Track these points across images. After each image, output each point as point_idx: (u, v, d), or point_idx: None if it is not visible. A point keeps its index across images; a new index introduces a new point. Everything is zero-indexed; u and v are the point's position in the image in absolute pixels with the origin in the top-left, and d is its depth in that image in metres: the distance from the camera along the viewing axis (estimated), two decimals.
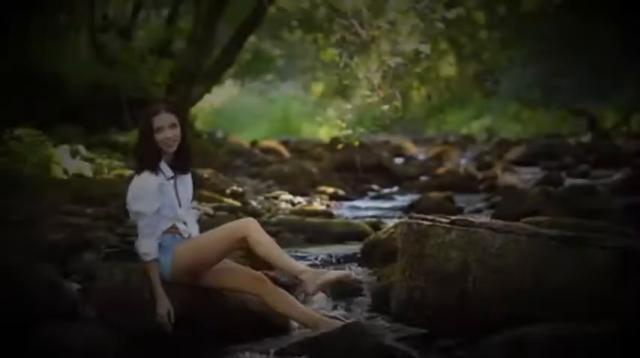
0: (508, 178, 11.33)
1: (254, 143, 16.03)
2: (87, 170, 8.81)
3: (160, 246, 4.13)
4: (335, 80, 8.76)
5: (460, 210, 8.46)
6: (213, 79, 15.31)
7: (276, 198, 9.04)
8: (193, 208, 4.53)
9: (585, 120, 22.39)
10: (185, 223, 4.20)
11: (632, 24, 22.54)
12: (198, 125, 16.29)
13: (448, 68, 24.81)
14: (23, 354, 3.80)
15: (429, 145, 18.16)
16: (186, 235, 4.19)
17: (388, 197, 10.44)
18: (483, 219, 4.61)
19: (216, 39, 15.56)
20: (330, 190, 9.95)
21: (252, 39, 18.26)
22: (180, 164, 4.21)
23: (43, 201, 7.07)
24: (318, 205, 8.93)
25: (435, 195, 8.85)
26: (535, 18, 23.65)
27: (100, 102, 12.07)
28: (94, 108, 11.88)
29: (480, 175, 11.61)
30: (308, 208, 8.39)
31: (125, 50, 14.63)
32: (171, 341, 4.04)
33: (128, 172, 9.11)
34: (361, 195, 10.53)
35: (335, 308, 4.93)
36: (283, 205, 8.69)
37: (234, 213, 7.15)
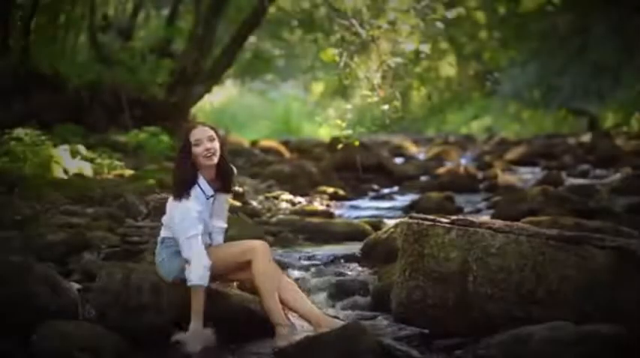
0: (508, 178, 11.33)
1: (254, 143, 16.03)
2: (87, 170, 8.81)
3: (169, 249, 4.15)
4: (335, 80, 8.75)
5: (460, 210, 8.46)
6: (213, 78, 15.32)
7: (276, 197, 9.03)
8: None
9: (585, 120, 22.38)
10: (210, 234, 4.25)
11: (631, 24, 22.54)
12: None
13: (448, 68, 24.82)
14: (24, 354, 3.79)
15: (429, 145, 18.15)
16: (207, 244, 4.21)
17: (388, 197, 10.43)
18: (483, 219, 4.61)
19: (216, 39, 15.57)
20: (330, 190, 9.94)
21: (252, 39, 18.27)
22: (223, 184, 4.27)
23: (43, 201, 7.07)
24: (318, 205, 8.92)
25: (434, 195, 8.85)
26: (535, 17, 23.65)
27: (100, 103, 12.08)
28: (94, 108, 11.88)
29: (480, 175, 11.61)
30: (308, 208, 8.38)
31: (125, 50, 14.65)
32: (171, 341, 4.03)
33: (128, 172, 9.12)
34: (361, 195, 10.52)
35: (334, 307, 4.95)
36: (283, 205, 8.69)
37: (234, 213, 7.14)
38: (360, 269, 5.51)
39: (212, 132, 4.18)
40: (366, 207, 9.24)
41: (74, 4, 13.77)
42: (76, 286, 4.56)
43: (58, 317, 3.95)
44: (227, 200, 4.39)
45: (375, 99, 7.73)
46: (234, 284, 4.46)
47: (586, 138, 17.33)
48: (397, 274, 4.09)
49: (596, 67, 24.29)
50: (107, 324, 4.02)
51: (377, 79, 7.73)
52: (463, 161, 14.40)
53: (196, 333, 4.00)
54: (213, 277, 4.18)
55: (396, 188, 11.20)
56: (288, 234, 6.85)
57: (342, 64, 7.85)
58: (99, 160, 9.23)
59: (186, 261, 4.06)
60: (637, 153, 13.40)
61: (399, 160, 14.61)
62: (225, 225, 4.38)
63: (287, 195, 9.13)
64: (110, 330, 3.94)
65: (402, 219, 4.40)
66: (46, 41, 12.18)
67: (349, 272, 5.44)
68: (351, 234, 6.79)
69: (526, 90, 25.60)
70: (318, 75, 22.77)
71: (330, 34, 9.21)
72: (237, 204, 7.88)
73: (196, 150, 4.13)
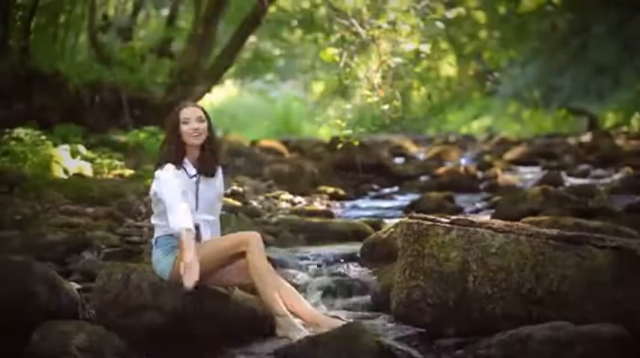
0: (508, 178, 11.32)
1: (254, 143, 16.03)
2: (87, 170, 8.81)
3: (163, 247, 4.12)
4: (335, 80, 8.74)
5: (460, 210, 8.45)
6: (213, 78, 15.31)
7: (276, 197, 9.03)
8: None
9: (585, 120, 22.37)
10: (197, 227, 4.15)
11: (631, 24, 22.53)
12: None
13: (448, 68, 24.81)
14: (24, 354, 3.80)
15: (429, 145, 18.15)
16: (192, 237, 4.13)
17: (388, 197, 10.43)
18: (483, 218, 4.61)
19: (216, 39, 15.57)
20: (330, 190, 9.93)
21: (252, 39, 18.26)
22: (204, 166, 4.24)
23: (42, 200, 7.07)
24: (318, 205, 8.92)
25: (434, 194, 8.84)
26: (535, 17, 23.64)
27: (100, 102, 12.07)
28: (94, 108, 11.88)
29: (480, 175, 11.60)
30: (308, 208, 8.38)
31: (125, 50, 14.65)
32: (171, 341, 4.04)
33: (128, 172, 9.12)
34: (361, 195, 10.51)
35: (334, 306, 4.95)
36: (283, 205, 8.68)
37: (234, 213, 7.14)
38: (360, 269, 5.51)
39: (201, 113, 4.19)
40: (366, 207, 9.24)
41: (74, 4, 13.77)
42: (76, 286, 4.55)
43: (58, 317, 3.96)
44: (218, 195, 4.32)
45: (375, 99, 7.72)
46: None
47: (586, 138, 17.33)
48: (397, 274, 4.09)
49: (596, 67, 24.29)
50: (107, 324, 4.02)
51: (377, 79, 7.72)
52: (463, 161, 14.39)
53: (193, 263, 3.92)
54: (204, 277, 4.10)
55: (396, 188, 11.20)
56: (287, 233, 6.84)
57: (342, 64, 7.84)
58: (99, 160, 9.23)
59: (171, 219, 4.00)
60: (637, 153, 13.38)
61: (399, 160, 14.60)
62: (213, 218, 4.30)
63: (287, 195, 9.12)
64: (110, 330, 3.94)
65: (402, 219, 4.39)
66: (46, 41, 12.17)
67: (349, 273, 5.44)
68: (351, 233, 6.77)
69: (526, 91, 25.59)
70: (318, 75, 22.76)
71: (330, 34, 9.20)
72: (237, 203, 7.88)
73: (183, 127, 4.15)
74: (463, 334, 3.87)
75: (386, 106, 7.73)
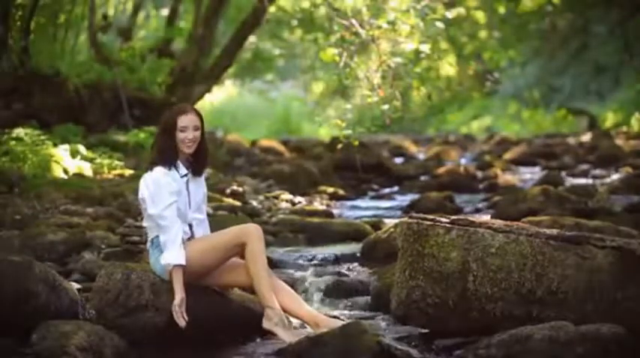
0: (508, 178, 11.32)
1: (254, 142, 16.03)
2: (86, 170, 8.81)
3: (160, 247, 4.11)
4: (335, 80, 8.73)
5: (460, 210, 8.45)
6: (213, 78, 15.31)
7: (276, 197, 9.02)
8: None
9: (585, 120, 22.37)
10: (191, 226, 4.20)
11: (631, 23, 22.53)
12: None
13: (448, 68, 24.79)
14: (24, 354, 3.79)
15: (429, 145, 18.14)
16: (186, 237, 4.17)
17: (388, 197, 10.43)
18: (483, 218, 4.61)
19: (216, 39, 15.56)
20: (330, 190, 9.93)
21: (252, 39, 18.24)
22: (195, 166, 4.25)
23: (42, 200, 7.07)
24: (317, 205, 8.91)
25: (434, 194, 8.84)
26: (535, 18, 23.62)
27: (99, 102, 12.07)
28: (94, 108, 11.87)
29: (480, 175, 11.59)
30: (308, 208, 8.37)
31: (125, 50, 14.65)
32: (170, 341, 4.04)
33: (128, 172, 9.12)
34: (361, 194, 10.51)
35: (333, 306, 4.95)
36: (283, 205, 8.68)
37: (234, 213, 7.14)
38: (360, 269, 5.51)
39: (198, 122, 4.17)
40: (365, 207, 9.23)
41: (74, 4, 13.76)
42: (76, 286, 4.55)
43: (58, 317, 3.96)
44: (204, 195, 4.34)
45: (375, 99, 7.71)
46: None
47: (586, 138, 17.33)
48: (397, 274, 4.09)
49: (596, 67, 24.28)
50: (107, 324, 4.02)
51: (377, 79, 7.71)
52: (463, 161, 14.39)
53: (182, 303, 3.97)
54: (203, 274, 4.14)
55: (395, 188, 11.20)
56: (287, 233, 6.84)
57: (342, 64, 7.83)
58: (99, 160, 9.23)
59: (163, 244, 4.03)
60: (637, 153, 13.39)
61: (398, 160, 14.60)
62: (203, 216, 4.32)
63: (287, 195, 9.12)
64: (110, 330, 3.93)
65: (402, 219, 4.39)
66: (46, 41, 12.16)
67: (349, 272, 5.44)
68: (351, 233, 6.78)
69: (526, 90, 25.58)
70: (318, 75, 22.76)
71: (330, 34, 9.19)
72: (237, 203, 7.88)
73: (180, 135, 4.13)
74: (463, 334, 3.87)
75: (386, 106, 7.72)
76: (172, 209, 4.06)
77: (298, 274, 5.31)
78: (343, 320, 4.30)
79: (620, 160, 12.57)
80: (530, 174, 12.18)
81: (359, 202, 9.76)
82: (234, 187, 8.54)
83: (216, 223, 4.60)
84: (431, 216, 4.10)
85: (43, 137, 8.59)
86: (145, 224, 4.29)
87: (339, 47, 8.07)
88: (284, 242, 6.57)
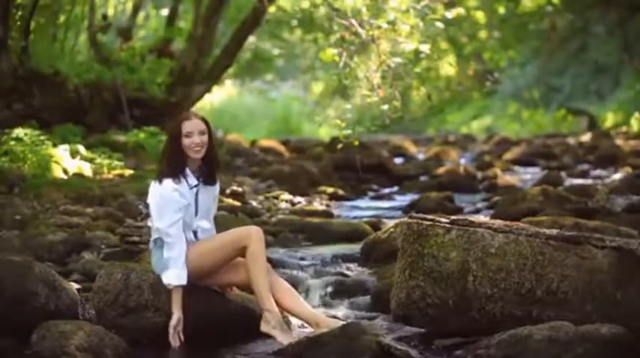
0: (508, 178, 11.32)
1: (253, 142, 16.04)
2: (86, 170, 8.81)
3: (163, 248, 4.12)
4: (335, 80, 8.73)
5: (460, 210, 8.45)
6: (213, 78, 15.31)
7: (276, 197, 9.03)
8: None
9: (585, 120, 22.38)
10: (195, 232, 4.21)
11: (631, 23, 22.52)
12: None
13: (448, 68, 24.82)
14: (23, 354, 3.80)
15: (428, 145, 18.15)
16: (191, 244, 4.17)
17: (388, 197, 10.43)
18: (483, 218, 4.61)
19: (217, 39, 15.56)
20: (330, 190, 9.95)
21: (252, 39, 18.25)
22: (206, 175, 4.25)
23: (42, 200, 7.08)
24: (317, 205, 8.92)
25: (434, 194, 8.85)
26: (535, 18, 23.63)
27: (99, 103, 12.07)
28: (94, 108, 11.88)
29: (480, 175, 11.59)
30: (308, 208, 8.38)
31: (125, 50, 14.65)
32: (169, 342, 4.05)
33: (128, 172, 9.12)
34: (361, 195, 10.51)
35: (333, 306, 4.96)
36: (283, 205, 8.69)
37: (234, 213, 7.14)
38: (359, 269, 5.51)
39: (204, 127, 4.17)
40: (365, 207, 9.23)
41: (74, 4, 13.77)
42: (76, 286, 4.56)
43: (58, 317, 3.96)
44: (214, 199, 4.35)
45: (375, 99, 7.72)
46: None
47: (586, 138, 17.33)
48: (397, 274, 4.09)
49: (596, 67, 24.29)
50: (106, 324, 4.02)
51: (377, 79, 7.72)
52: (463, 161, 14.40)
53: (178, 323, 4.00)
54: (203, 275, 4.16)
55: (395, 188, 11.20)
56: (287, 233, 6.85)
57: (341, 64, 7.84)
58: (99, 160, 9.23)
59: (166, 260, 4.05)
60: (637, 153, 13.39)
61: (398, 160, 14.60)
62: (210, 225, 4.32)
63: (286, 195, 9.13)
64: (110, 330, 3.94)
65: (402, 219, 4.39)
66: (45, 41, 12.17)
67: (349, 272, 5.44)
68: (351, 234, 6.77)
69: (525, 91, 25.58)
70: (317, 75, 22.77)
71: (330, 34, 9.18)
72: (237, 203, 7.89)
73: (186, 141, 4.13)
74: (463, 334, 3.87)
75: (386, 106, 7.72)
76: (178, 226, 4.08)
77: (298, 274, 5.32)
78: (343, 320, 4.30)
79: (620, 160, 12.57)
80: (530, 174, 12.19)
81: (359, 202, 9.77)
82: (234, 187, 8.54)
83: (216, 224, 4.60)
84: (430, 216, 4.10)
85: (42, 137, 8.59)
86: (149, 224, 4.30)
87: (339, 47, 8.08)
88: (284, 242, 6.58)
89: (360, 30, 8.01)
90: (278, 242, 6.55)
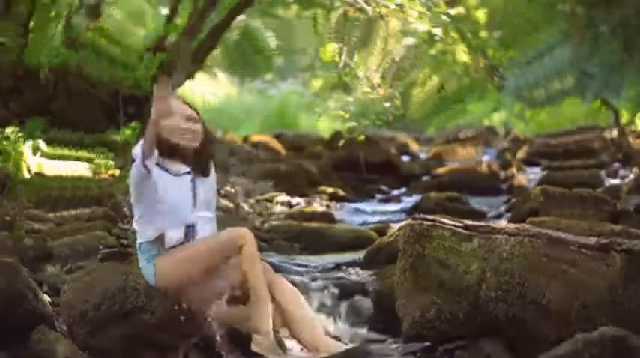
0: (522, 178, 11.25)
1: (245, 139, 16.13)
2: (49, 168, 8.95)
3: (146, 253, 4.34)
4: (334, 77, 8.82)
5: (478, 214, 8.55)
6: (197, 62, 15.48)
7: (269, 200, 9.09)
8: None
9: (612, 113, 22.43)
10: (193, 226, 4.34)
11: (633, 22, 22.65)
12: None
13: (463, 54, 24.90)
14: (23, 355, 4.10)
15: (443, 140, 18.09)
16: (178, 243, 4.32)
17: (396, 199, 10.49)
18: (502, 224, 4.88)
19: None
20: (330, 190, 10.00)
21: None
22: (198, 167, 4.39)
23: (15, 203, 7.27)
24: (317, 206, 8.98)
25: (437, 195, 8.88)
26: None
27: (65, 89, 12.23)
28: (60, 96, 12.06)
29: (502, 174, 11.58)
30: (306, 210, 8.44)
31: (92, 30, 14.80)
32: (170, 342, 4.29)
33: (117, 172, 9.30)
34: (366, 196, 10.59)
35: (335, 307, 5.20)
36: (278, 208, 8.72)
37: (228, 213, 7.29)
38: (362, 275, 5.65)
39: (190, 111, 4.30)
40: (371, 211, 9.29)
41: None
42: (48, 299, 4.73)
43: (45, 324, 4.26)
44: (214, 190, 4.50)
45: (377, 95, 7.83)
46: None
47: (613, 133, 17.29)
48: (397, 275, 4.38)
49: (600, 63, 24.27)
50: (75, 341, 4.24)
51: (376, 79, 7.84)
52: (486, 157, 14.32)
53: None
54: (193, 283, 4.31)
55: (404, 189, 11.22)
56: (281, 241, 6.93)
57: (341, 64, 7.92)
58: (96, 160, 9.35)
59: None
60: None
61: (405, 158, 14.51)
62: (211, 215, 4.44)
63: (282, 197, 9.16)
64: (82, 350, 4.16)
65: (407, 222, 4.65)
66: (41, 38, 12.35)
67: (350, 280, 5.56)
68: (354, 241, 6.91)
69: (556, 79, 25.59)
70: (317, 74, 22.89)
71: (332, 11, 9.27)
72: (229, 205, 8.02)
73: (163, 122, 4.14)
74: (467, 336, 4.14)
75: (387, 103, 7.83)
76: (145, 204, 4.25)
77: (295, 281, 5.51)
78: (345, 344, 4.43)
79: (633, 159, 12.55)
80: (532, 175, 12.08)
81: (364, 205, 9.80)
82: (228, 188, 8.65)
83: None
84: (431, 217, 4.36)
85: (19, 134, 8.79)
86: (134, 226, 4.45)
87: (342, 26, 8.14)
88: (277, 250, 6.63)
89: (365, 6, 8.05)
90: (271, 250, 6.60)
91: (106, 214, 6.90)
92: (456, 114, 27.88)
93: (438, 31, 8.41)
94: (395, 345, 4.57)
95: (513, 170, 11.72)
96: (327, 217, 8.19)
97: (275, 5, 21.28)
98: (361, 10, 8.11)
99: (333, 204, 9.46)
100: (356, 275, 5.67)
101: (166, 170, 4.31)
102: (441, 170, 12.06)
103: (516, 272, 4.04)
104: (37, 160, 8.86)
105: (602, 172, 11.52)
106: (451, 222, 4.29)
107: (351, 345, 4.44)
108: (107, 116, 12.17)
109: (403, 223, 6.05)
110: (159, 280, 4.28)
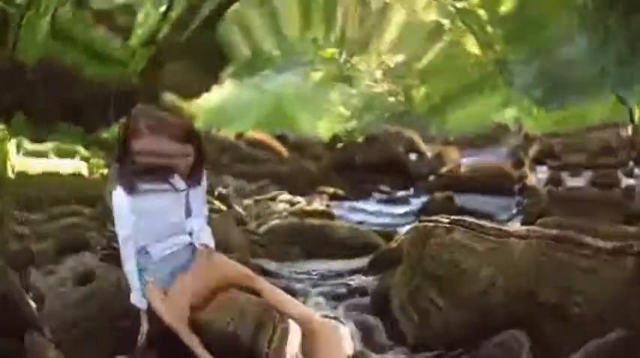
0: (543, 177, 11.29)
1: (240, 135, 16.10)
2: (32, 168, 9.03)
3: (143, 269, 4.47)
4: (335, 70, 8.81)
5: (492, 216, 8.64)
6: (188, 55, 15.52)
7: (269, 200, 9.22)
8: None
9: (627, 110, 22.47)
10: (190, 235, 4.52)
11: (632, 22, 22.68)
12: (199, 124, 16.41)
13: (473, 46, 24.89)
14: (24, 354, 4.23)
15: (448, 139, 18.00)
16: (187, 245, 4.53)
17: (403, 200, 10.56)
18: (515, 226, 4.95)
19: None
20: (331, 190, 10.11)
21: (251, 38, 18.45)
22: (192, 180, 4.50)
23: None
24: (317, 206, 9.05)
25: (440, 196, 9.02)
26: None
27: (91, 99, 12.33)
28: (41, 91, 12.15)
29: (515, 174, 11.57)
30: (306, 209, 8.53)
31: (122, 48, 14.87)
32: (169, 342, 4.37)
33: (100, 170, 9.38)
34: (367, 196, 10.65)
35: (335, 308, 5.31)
36: (277, 208, 8.81)
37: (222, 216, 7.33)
38: (365, 281, 5.71)
39: (165, 146, 4.32)
40: (373, 211, 9.39)
41: None
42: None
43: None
44: (204, 191, 4.63)
45: (380, 90, 7.83)
46: None
47: (628, 130, 17.20)
48: (398, 275, 4.57)
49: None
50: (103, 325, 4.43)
51: (378, 75, 7.84)
52: (495, 156, 14.29)
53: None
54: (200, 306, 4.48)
55: (411, 190, 11.29)
56: (279, 245, 6.96)
57: (341, 60, 7.91)
58: (92, 160, 9.42)
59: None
60: None
61: (412, 156, 14.47)
62: (205, 213, 4.59)
63: (282, 197, 9.27)
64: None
65: (414, 225, 4.74)
66: (33, 34, 12.44)
67: (353, 286, 5.66)
68: (357, 244, 6.96)
69: (578, 71, 25.60)
70: (317, 68, 22.86)
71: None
72: (222, 207, 8.12)
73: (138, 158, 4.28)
74: (468, 337, 4.28)
75: (392, 99, 7.82)
76: (129, 246, 4.37)
77: (295, 287, 5.61)
78: (341, 321, 4.63)
79: None
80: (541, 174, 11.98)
81: (366, 206, 9.87)
82: (220, 189, 8.69)
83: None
84: (434, 217, 4.50)
85: (6, 132, 8.87)
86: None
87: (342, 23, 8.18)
88: (275, 255, 6.73)
89: None
90: (267, 254, 6.71)
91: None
92: (465, 110, 27.88)
93: (446, 22, 8.41)
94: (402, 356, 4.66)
95: (526, 169, 11.70)
96: (328, 219, 8.20)
97: None
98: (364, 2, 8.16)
99: (333, 203, 9.49)
100: (360, 283, 5.76)
101: (173, 187, 4.48)
102: (448, 169, 12.01)
103: (525, 275, 4.12)
104: (20, 159, 8.91)
105: (619, 172, 11.42)
106: (459, 224, 4.36)
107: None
108: (97, 113, 12.26)
109: (409, 226, 6.16)
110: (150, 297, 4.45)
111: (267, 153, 13.95)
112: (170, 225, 4.50)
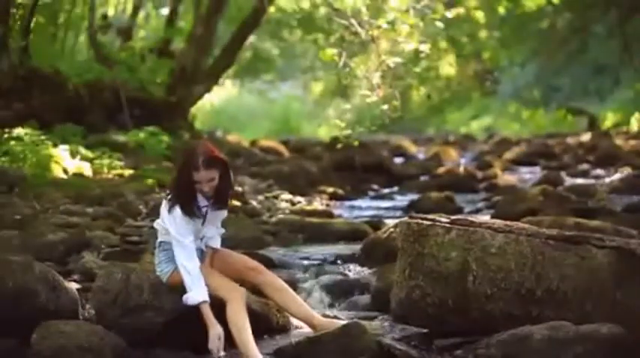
0: (508, 178, 11.33)
1: (253, 142, 16.07)
2: (86, 169, 8.82)
3: (166, 252, 4.11)
4: (334, 80, 8.81)
5: (460, 210, 8.46)
6: (213, 78, 15.35)
7: (275, 197, 9.05)
8: None
9: (585, 119, 22.36)
10: (201, 239, 4.20)
11: (631, 23, 22.53)
12: (198, 124, 16.33)
13: (448, 68, 24.78)
14: (24, 354, 3.81)
15: (428, 145, 18.15)
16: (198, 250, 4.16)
17: (388, 197, 10.44)
18: (483, 218, 4.61)
19: (217, 39, 15.59)
20: (330, 189, 9.96)
21: (252, 39, 18.28)
22: (216, 203, 4.16)
23: (42, 200, 7.07)
24: (317, 205, 8.92)
25: (434, 194, 8.85)
26: (535, 17, 23.63)
27: (99, 102, 12.08)
28: (94, 108, 11.89)
29: (480, 175, 11.61)
30: (308, 208, 8.37)
31: (125, 49, 14.66)
32: (170, 342, 4.05)
33: (128, 171, 9.12)
34: (361, 194, 10.52)
35: (334, 306, 4.97)
36: (283, 204, 8.70)
37: (234, 213, 7.14)
38: (359, 269, 5.50)
39: (214, 173, 4.02)
40: (366, 207, 9.24)
41: (74, 4, 13.77)
42: (76, 286, 4.55)
43: (58, 317, 3.96)
44: (224, 214, 4.31)
45: (375, 98, 7.74)
46: None
47: (586, 137, 17.33)
48: (397, 273, 4.09)
49: (595, 67, 24.28)
50: (106, 324, 4.02)
51: (376, 79, 7.74)
52: (463, 161, 14.41)
53: (219, 335, 3.92)
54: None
55: (395, 188, 11.22)
56: (287, 233, 6.84)
57: (341, 63, 7.87)
58: (98, 160, 9.23)
59: (182, 270, 4.00)
60: (637, 152, 13.38)
61: (398, 160, 14.61)
62: (214, 233, 4.28)
63: (286, 195, 9.14)
64: (110, 330, 3.94)
65: (402, 219, 4.39)
66: (45, 41, 12.17)
67: (348, 272, 5.44)
68: (351, 234, 6.76)
69: (525, 90, 25.56)
70: (317, 75, 22.80)
71: (331, 34, 9.22)
72: (237, 203, 7.89)
73: (197, 176, 4.02)
74: (462, 334, 3.86)
75: (385, 106, 7.75)
76: (192, 248, 4.05)
77: (297, 274, 5.32)
78: (343, 319, 4.29)
79: (620, 160, 12.57)
80: (530, 174, 12.19)
81: (359, 202, 9.78)
82: (235, 188, 8.54)
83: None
84: (431, 216, 4.10)
85: (43, 137, 8.60)
86: (156, 225, 4.24)
87: (339, 47, 8.10)
88: (283, 242, 6.56)
89: (359, 30, 8.04)
90: (277, 242, 6.55)
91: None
92: (437, 123, 27.90)
93: (424, 48, 8.19)
94: (386, 323, 4.38)
95: (496, 170, 11.65)
96: (327, 214, 8.12)
97: (281, 28, 21.13)
98: (356, 34, 8.02)
99: (332, 202, 9.34)
100: (354, 271, 5.50)
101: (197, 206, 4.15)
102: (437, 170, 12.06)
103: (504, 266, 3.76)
104: (76, 163, 8.82)
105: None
106: (444, 219, 3.97)
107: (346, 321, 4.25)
108: (111, 118, 12.01)
109: (397, 220, 5.87)
110: (170, 283, 4.12)
111: (274, 157, 13.99)
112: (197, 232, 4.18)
